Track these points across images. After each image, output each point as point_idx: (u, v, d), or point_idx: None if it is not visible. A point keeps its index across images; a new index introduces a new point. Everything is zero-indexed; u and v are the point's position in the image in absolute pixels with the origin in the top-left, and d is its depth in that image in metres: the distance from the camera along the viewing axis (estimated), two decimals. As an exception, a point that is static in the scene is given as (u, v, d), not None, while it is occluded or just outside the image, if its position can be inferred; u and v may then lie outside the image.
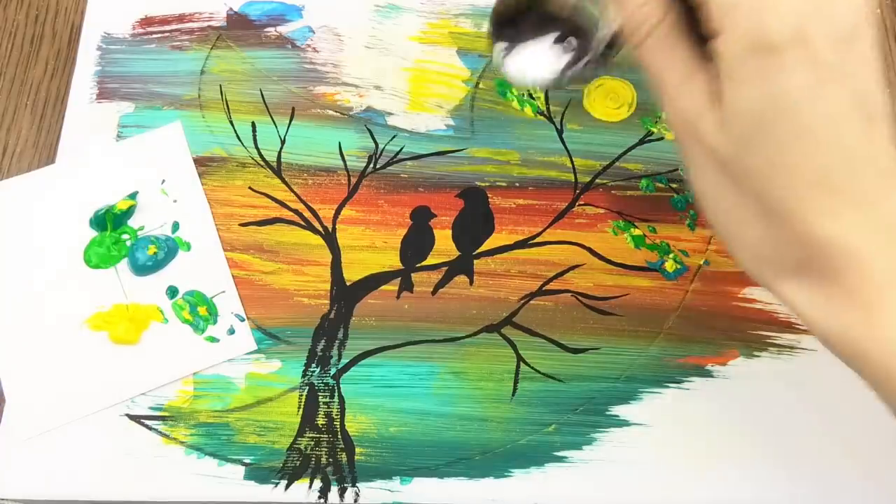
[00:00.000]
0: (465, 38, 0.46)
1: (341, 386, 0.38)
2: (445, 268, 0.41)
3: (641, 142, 0.43)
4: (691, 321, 0.40)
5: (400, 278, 0.41)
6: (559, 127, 0.44)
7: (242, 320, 0.39)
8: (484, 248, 0.41)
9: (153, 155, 0.43)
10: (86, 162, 0.42)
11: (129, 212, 0.41)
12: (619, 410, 0.38)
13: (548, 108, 0.44)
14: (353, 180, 0.43)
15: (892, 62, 0.46)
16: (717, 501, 0.37)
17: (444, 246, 0.41)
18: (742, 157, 0.25)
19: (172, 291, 0.40)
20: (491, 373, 0.39)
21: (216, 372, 0.39)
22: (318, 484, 0.37)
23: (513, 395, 0.38)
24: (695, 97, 0.25)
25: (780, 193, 0.24)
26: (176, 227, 0.41)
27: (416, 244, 0.41)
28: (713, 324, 0.40)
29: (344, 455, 0.37)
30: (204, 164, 0.43)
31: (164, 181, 0.42)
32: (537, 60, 0.32)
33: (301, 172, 0.43)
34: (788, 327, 0.40)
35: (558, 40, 0.31)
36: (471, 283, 0.41)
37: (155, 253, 0.40)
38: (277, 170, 0.43)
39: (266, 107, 0.44)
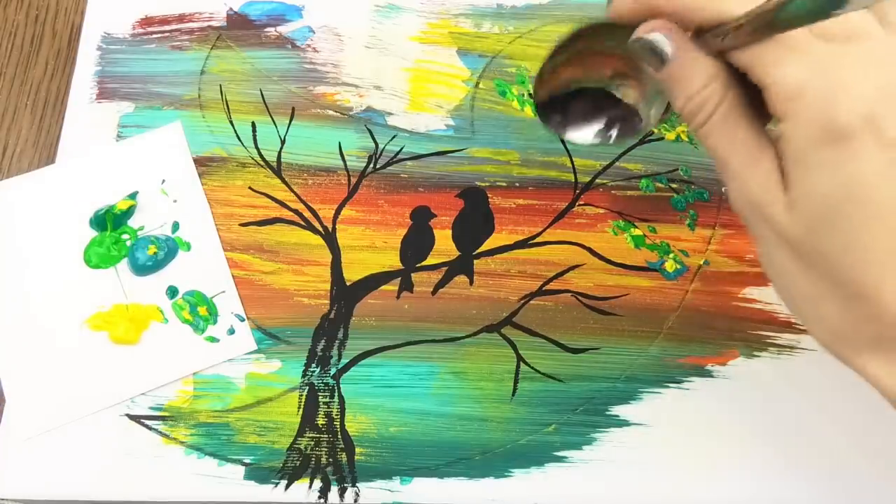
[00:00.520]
0: (465, 38, 0.46)
1: (341, 386, 0.38)
2: (445, 268, 0.41)
3: (641, 142, 0.43)
4: (691, 321, 0.40)
5: (400, 278, 0.41)
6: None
7: (242, 320, 0.39)
8: (484, 248, 0.41)
9: (153, 155, 0.43)
10: (86, 162, 0.42)
11: (129, 212, 0.41)
12: (619, 410, 0.38)
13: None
14: (353, 180, 0.43)
15: None
16: (717, 501, 0.37)
17: (444, 246, 0.41)
18: (814, 239, 0.24)
19: (172, 291, 0.40)
20: (491, 373, 0.39)
21: (216, 372, 0.39)
22: (318, 484, 0.37)
23: (513, 395, 0.38)
24: (761, 181, 0.25)
25: (854, 273, 0.24)
26: (176, 227, 0.41)
27: (416, 244, 0.41)
28: (713, 324, 0.40)
29: (344, 455, 0.37)
30: (204, 164, 0.43)
31: (164, 181, 0.42)
32: (587, 136, 0.32)
33: (301, 172, 0.43)
34: (788, 327, 0.40)
35: (607, 125, 0.32)
36: (471, 283, 0.41)
37: (155, 253, 0.40)
38: (277, 170, 0.43)
39: (266, 107, 0.44)
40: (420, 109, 0.44)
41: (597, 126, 0.32)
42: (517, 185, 0.43)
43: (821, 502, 0.36)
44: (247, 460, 0.37)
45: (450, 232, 0.42)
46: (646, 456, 0.37)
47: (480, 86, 0.45)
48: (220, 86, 0.45)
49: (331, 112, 0.44)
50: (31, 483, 0.36)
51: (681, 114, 0.27)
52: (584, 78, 0.31)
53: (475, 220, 0.42)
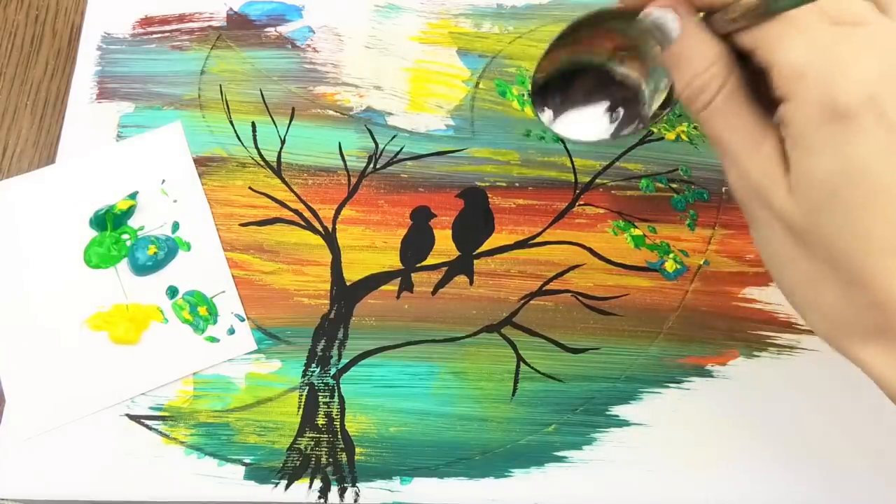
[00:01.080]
0: (465, 38, 0.46)
1: (341, 386, 0.38)
2: (445, 268, 0.41)
3: (641, 142, 0.43)
4: (691, 321, 0.40)
5: (400, 278, 0.41)
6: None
7: (242, 320, 0.39)
8: (484, 248, 0.41)
9: (153, 155, 0.43)
10: (86, 162, 0.42)
11: (129, 212, 0.41)
12: (619, 410, 0.38)
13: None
14: (353, 180, 0.43)
15: None
16: (717, 501, 0.37)
17: (444, 246, 0.41)
18: (814, 223, 0.24)
19: (172, 291, 0.40)
20: (491, 373, 0.39)
21: (216, 372, 0.39)
22: (318, 484, 0.37)
23: (513, 395, 0.38)
24: (762, 165, 0.25)
25: (854, 258, 0.24)
26: (176, 227, 0.41)
27: (416, 244, 0.41)
28: (713, 324, 0.40)
29: (344, 455, 0.37)
30: (204, 164, 0.43)
31: (164, 181, 0.42)
32: (587, 125, 0.32)
33: (301, 172, 0.43)
34: (788, 327, 0.40)
35: (607, 110, 0.31)
36: (471, 283, 0.41)
37: (155, 253, 0.40)
38: (277, 170, 0.43)
39: (266, 107, 0.44)
40: (420, 109, 0.44)
41: (597, 110, 0.32)
42: (517, 185, 0.43)
43: (820, 502, 0.37)
44: (247, 460, 0.37)
45: (450, 232, 0.42)
46: (646, 456, 0.37)
47: (480, 86, 0.45)
48: (220, 86, 0.45)
49: (331, 112, 0.44)
50: (31, 483, 0.36)
51: (683, 95, 0.27)
52: (583, 53, 0.31)
53: (475, 220, 0.42)
